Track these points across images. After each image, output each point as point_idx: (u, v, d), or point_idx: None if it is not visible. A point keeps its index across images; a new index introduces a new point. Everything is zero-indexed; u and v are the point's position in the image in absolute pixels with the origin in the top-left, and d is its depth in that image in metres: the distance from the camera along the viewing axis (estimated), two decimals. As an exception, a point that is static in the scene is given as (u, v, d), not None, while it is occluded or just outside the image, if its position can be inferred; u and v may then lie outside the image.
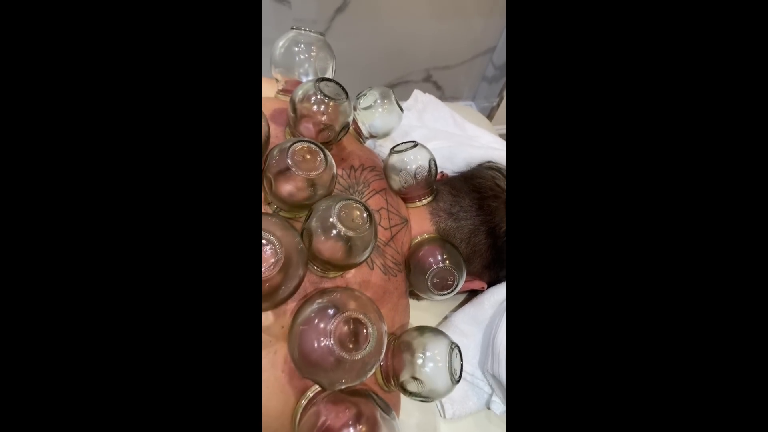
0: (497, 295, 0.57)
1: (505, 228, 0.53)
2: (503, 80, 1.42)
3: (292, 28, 0.51)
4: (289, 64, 0.50)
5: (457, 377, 0.41)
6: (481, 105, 1.49)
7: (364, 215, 0.37)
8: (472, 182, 0.57)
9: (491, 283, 0.58)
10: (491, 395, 0.54)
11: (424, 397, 0.41)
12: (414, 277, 0.48)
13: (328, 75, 0.53)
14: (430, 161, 0.53)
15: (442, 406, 0.54)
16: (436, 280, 0.47)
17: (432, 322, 0.60)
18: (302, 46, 0.50)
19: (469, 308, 0.58)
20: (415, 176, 0.52)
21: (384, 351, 0.42)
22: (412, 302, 0.62)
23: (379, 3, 1.12)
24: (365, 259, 0.39)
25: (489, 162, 0.61)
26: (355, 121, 0.57)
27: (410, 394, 0.41)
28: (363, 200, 0.49)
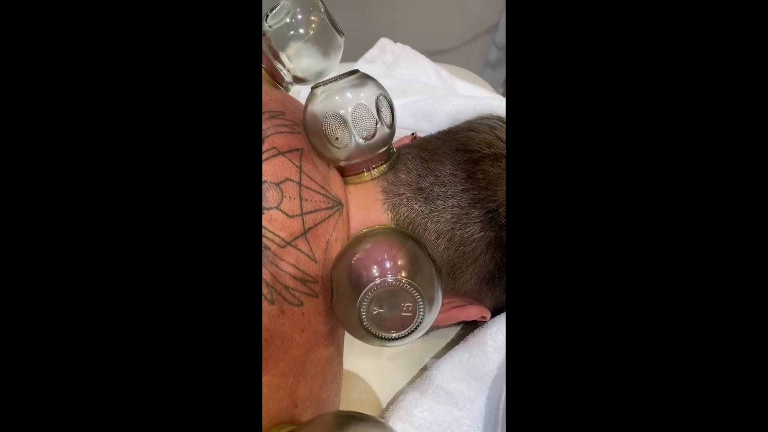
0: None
1: None
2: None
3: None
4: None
5: None
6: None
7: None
8: (456, 138, 0.33)
9: (498, 310, 0.34)
10: None
11: None
12: (339, 303, 0.25)
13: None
14: (378, 98, 0.30)
15: None
16: (377, 310, 0.23)
17: (402, 377, 0.36)
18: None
19: (463, 354, 0.34)
20: (350, 124, 0.29)
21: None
22: (370, 347, 0.38)
23: (357, -18, 0.95)
24: None
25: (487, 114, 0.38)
26: (265, 56, 0.36)
27: None
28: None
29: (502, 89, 1.25)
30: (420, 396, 0.33)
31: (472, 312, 0.32)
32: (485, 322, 0.34)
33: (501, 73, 1.24)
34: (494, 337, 0.33)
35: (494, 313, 0.34)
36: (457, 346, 0.35)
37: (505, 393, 0.31)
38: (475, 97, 0.42)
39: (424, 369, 0.37)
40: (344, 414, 0.21)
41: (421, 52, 1.07)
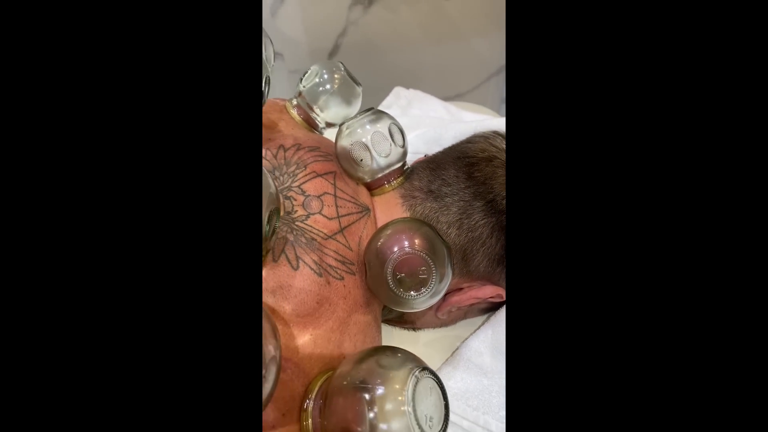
0: (525, 306, 0.38)
1: None
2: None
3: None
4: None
5: (436, 430, 0.23)
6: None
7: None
8: (456, 149, 0.41)
9: (513, 291, 0.40)
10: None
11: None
12: (372, 277, 0.32)
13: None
14: (390, 126, 0.39)
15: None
16: (400, 275, 0.30)
17: (438, 361, 0.41)
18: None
19: (487, 331, 0.39)
20: (371, 149, 0.38)
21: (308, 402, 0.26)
22: (407, 335, 0.44)
23: (372, 39, 1.08)
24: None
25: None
26: (302, 109, 0.46)
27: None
28: (296, 184, 0.35)
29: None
30: (453, 370, 0.38)
31: (489, 291, 0.38)
32: (503, 301, 0.39)
33: (517, 106, 1.31)
34: (512, 313, 0.38)
35: (510, 293, 0.40)
36: (481, 326, 0.40)
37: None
38: (476, 120, 0.50)
39: (456, 351, 0.42)
40: (376, 346, 0.27)
41: (442, 98, 1.18)
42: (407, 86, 0.88)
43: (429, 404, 0.23)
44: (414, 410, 0.22)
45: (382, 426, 0.22)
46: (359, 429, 0.22)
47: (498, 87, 1.33)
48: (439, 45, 1.15)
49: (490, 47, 1.23)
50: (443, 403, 0.24)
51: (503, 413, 0.36)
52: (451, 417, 0.36)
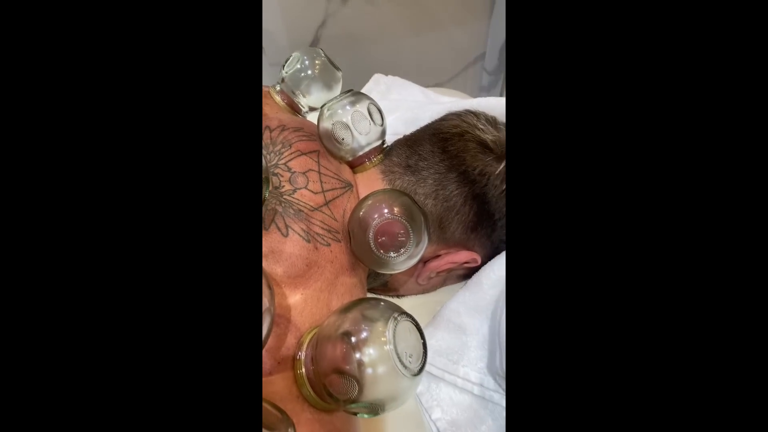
0: (500, 269, 0.41)
1: (481, 168, 0.39)
2: (500, 85, 1.34)
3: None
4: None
5: (414, 365, 0.26)
6: (485, 115, 1.39)
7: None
8: (431, 126, 0.44)
9: (488, 256, 0.43)
10: (513, 411, 0.36)
11: (368, 408, 0.26)
12: (356, 243, 0.35)
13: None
14: (369, 106, 0.42)
15: (441, 436, 0.36)
16: (382, 238, 0.33)
17: (421, 322, 0.44)
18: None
19: (465, 293, 0.43)
20: (351, 128, 0.40)
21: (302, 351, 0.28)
22: (393, 301, 0.47)
23: (352, 30, 1.10)
24: None
25: (459, 111, 0.49)
26: (285, 94, 0.48)
27: (347, 404, 0.26)
28: (282, 162, 0.38)
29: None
30: (434, 330, 0.42)
31: (464, 256, 0.41)
32: (478, 265, 0.43)
33: (495, 94, 1.35)
34: (488, 275, 0.42)
35: (484, 260, 0.43)
36: (459, 289, 0.43)
37: (504, 320, 0.38)
38: (452, 101, 0.53)
39: (437, 313, 0.45)
40: (359, 298, 0.30)
41: (422, 87, 1.20)
42: (387, 75, 0.91)
43: (408, 344, 0.26)
44: (395, 348, 0.25)
45: (368, 363, 0.25)
46: (348, 367, 0.25)
47: (476, 76, 1.36)
48: (418, 36, 1.18)
49: (469, 37, 1.25)
50: (421, 342, 0.27)
51: (482, 365, 0.39)
52: (434, 371, 0.40)
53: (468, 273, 0.45)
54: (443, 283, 0.47)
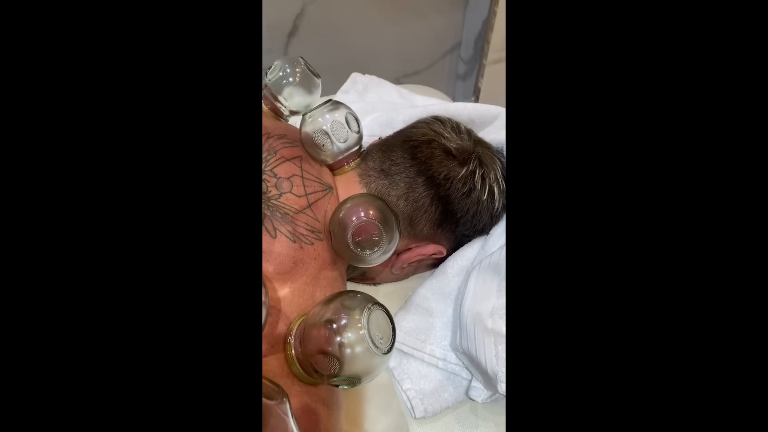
0: (462, 260, 0.48)
1: (445, 173, 0.45)
2: (474, 74, 1.38)
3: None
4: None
5: (384, 345, 0.32)
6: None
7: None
8: (403, 133, 0.49)
9: (452, 248, 0.49)
10: (471, 381, 0.43)
11: (347, 381, 0.32)
12: (336, 241, 0.40)
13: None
14: (346, 115, 0.46)
15: (410, 402, 0.43)
16: (359, 238, 0.39)
17: (395, 308, 0.51)
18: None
19: (432, 281, 0.49)
20: (330, 135, 0.45)
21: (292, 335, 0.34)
22: (369, 290, 0.53)
23: (330, 19, 1.11)
24: None
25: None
26: (268, 99, 0.52)
27: (330, 378, 0.32)
28: (268, 168, 0.42)
29: (474, 96, 1.40)
30: (405, 313, 0.48)
31: (431, 249, 0.47)
32: (443, 257, 0.49)
33: (470, 82, 1.39)
34: (452, 265, 0.48)
35: (449, 251, 0.49)
36: (428, 277, 0.50)
37: (461, 300, 0.45)
38: (424, 106, 0.58)
39: (408, 299, 0.51)
40: (339, 291, 0.36)
41: (397, 75, 1.22)
42: (365, 65, 0.94)
43: (380, 328, 0.32)
44: (369, 331, 0.31)
45: (347, 344, 0.31)
46: (330, 348, 0.31)
47: (452, 64, 1.39)
48: (396, 23, 1.19)
49: (447, 25, 1.27)
50: (391, 326, 0.33)
51: (445, 343, 0.45)
52: (404, 349, 0.46)
53: (436, 263, 0.51)
54: (414, 272, 0.53)
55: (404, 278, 0.54)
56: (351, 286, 0.51)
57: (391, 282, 0.53)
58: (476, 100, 1.40)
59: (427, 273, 0.54)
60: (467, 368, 0.44)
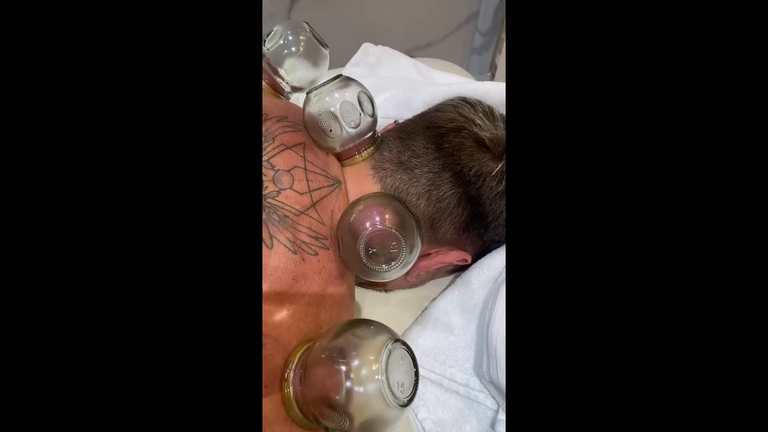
0: (489, 269, 0.41)
1: (476, 169, 0.37)
2: (492, 48, 1.28)
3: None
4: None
5: (404, 396, 0.25)
6: (477, 80, 1.34)
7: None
8: (426, 118, 0.41)
9: (479, 254, 0.42)
10: (497, 412, 0.37)
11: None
12: (345, 251, 0.33)
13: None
14: (359, 94, 0.38)
15: (426, 435, 0.37)
16: (372, 250, 0.32)
17: (408, 319, 0.44)
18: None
19: (453, 292, 0.42)
20: (339, 118, 0.37)
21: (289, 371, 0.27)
22: (379, 296, 0.46)
23: (338, -13, 1.01)
24: None
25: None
26: (266, 73, 0.44)
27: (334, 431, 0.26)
28: (265, 158, 0.35)
29: (490, 72, 1.31)
30: (422, 329, 0.41)
31: (454, 256, 0.40)
32: (467, 264, 0.42)
33: (487, 57, 1.29)
34: (477, 275, 0.41)
35: (474, 258, 0.42)
36: (448, 287, 0.43)
37: (489, 319, 0.38)
38: (447, 84, 0.49)
39: (425, 311, 0.45)
40: (351, 320, 0.29)
41: (409, 48, 1.12)
42: (374, 36, 0.85)
43: (400, 372, 0.26)
44: (387, 378, 0.24)
45: (359, 392, 0.24)
46: (337, 397, 0.25)
47: (468, 36, 1.29)
48: (408, -9, 1.10)
49: (461, -5, 1.17)
50: (413, 370, 0.26)
51: (468, 365, 0.39)
52: (421, 371, 0.40)
53: (457, 268, 0.44)
54: (432, 278, 0.47)
55: (420, 285, 0.47)
56: (358, 292, 0.45)
57: (404, 289, 0.47)
58: (492, 78, 1.31)
59: (445, 279, 0.47)
60: (493, 397, 0.38)
